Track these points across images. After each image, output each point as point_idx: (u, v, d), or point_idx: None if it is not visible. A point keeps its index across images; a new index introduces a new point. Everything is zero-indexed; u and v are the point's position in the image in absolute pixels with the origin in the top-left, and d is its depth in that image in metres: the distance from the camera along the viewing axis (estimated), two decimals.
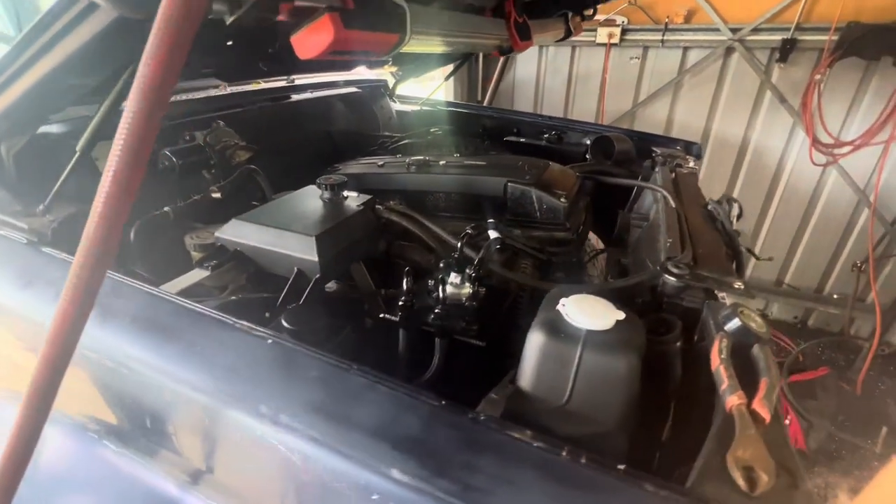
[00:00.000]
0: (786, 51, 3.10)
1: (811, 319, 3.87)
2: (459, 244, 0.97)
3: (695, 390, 0.79)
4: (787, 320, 3.95)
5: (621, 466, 0.53)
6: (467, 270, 0.86)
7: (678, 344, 0.87)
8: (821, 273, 3.70)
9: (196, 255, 1.08)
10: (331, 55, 0.67)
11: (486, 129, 2.51)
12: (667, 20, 3.34)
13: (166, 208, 1.15)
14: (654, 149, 2.15)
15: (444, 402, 0.58)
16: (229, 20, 0.57)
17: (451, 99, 3.83)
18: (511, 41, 1.36)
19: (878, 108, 3.06)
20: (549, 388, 0.74)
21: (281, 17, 0.64)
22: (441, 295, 0.84)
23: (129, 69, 0.77)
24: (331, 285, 1.19)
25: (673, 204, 1.37)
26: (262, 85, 1.85)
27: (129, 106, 0.35)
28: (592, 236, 1.81)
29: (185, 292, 0.94)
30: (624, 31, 3.47)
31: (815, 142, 3.25)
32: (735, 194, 3.70)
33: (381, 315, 0.90)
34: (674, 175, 1.75)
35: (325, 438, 0.53)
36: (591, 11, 2.18)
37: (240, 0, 0.54)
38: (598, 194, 1.94)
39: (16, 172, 1.09)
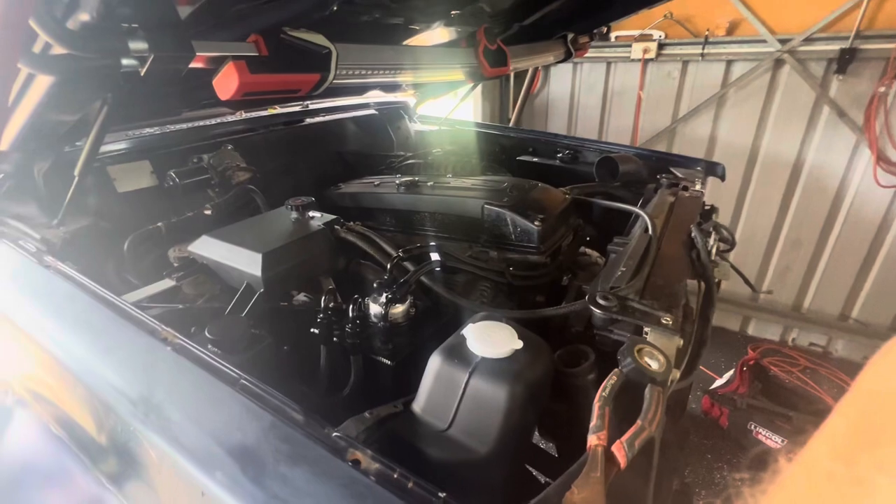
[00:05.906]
0: (844, 61, 2.81)
1: None
2: (388, 266, 1.01)
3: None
4: (855, 360, 3.49)
5: (442, 495, 0.54)
6: (386, 293, 0.90)
7: (591, 376, 0.85)
8: None
9: (176, 265, 1.22)
10: (248, 96, 0.76)
11: (503, 148, 2.53)
12: (707, 33, 3.17)
13: (159, 223, 1.30)
14: (672, 169, 2.06)
15: (304, 416, 0.62)
16: (143, 71, 0.68)
17: (478, 118, 3.88)
18: (481, 69, 1.40)
19: None
20: (436, 412, 0.76)
21: (199, 65, 0.74)
22: (352, 314, 0.89)
23: (101, 107, 0.90)
24: (301, 298, 1.28)
25: (650, 229, 1.31)
26: (278, 110, 2.02)
27: None
28: (594, 255, 1.76)
29: (153, 298, 1.06)
30: (661, 46, 3.32)
31: (882, 160, 2.90)
32: (788, 218, 3.38)
33: (311, 330, 0.96)
34: (674, 198, 1.67)
35: (176, 436, 0.60)
36: (604, 29, 2.15)
37: (145, 56, 0.65)
38: (605, 216, 1.89)
39: (45, 189, 1.29)
